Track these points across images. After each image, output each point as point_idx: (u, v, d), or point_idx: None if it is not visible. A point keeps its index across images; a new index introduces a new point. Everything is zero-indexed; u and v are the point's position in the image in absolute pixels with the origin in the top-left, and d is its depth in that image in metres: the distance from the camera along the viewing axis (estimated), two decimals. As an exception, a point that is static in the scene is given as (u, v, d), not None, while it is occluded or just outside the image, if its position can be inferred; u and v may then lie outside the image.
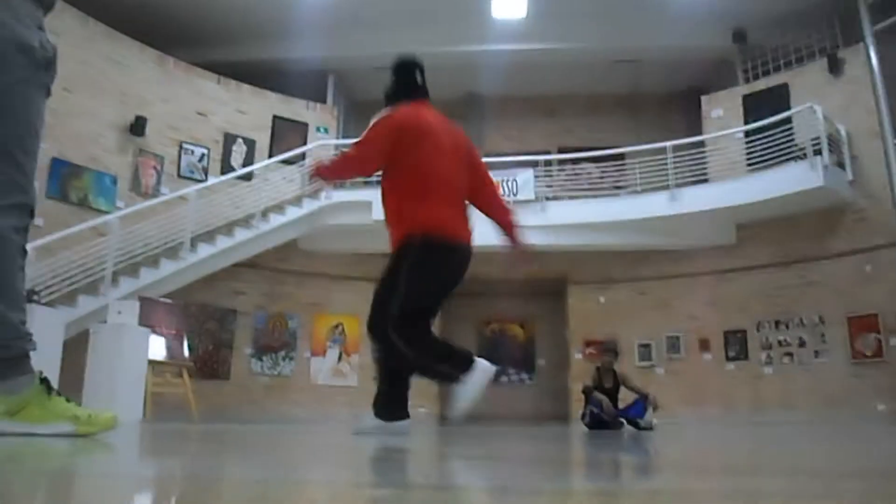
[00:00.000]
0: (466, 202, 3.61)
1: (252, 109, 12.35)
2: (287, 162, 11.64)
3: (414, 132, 3.42)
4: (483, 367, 3.29)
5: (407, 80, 3.68)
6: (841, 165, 10.51)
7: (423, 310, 3.42)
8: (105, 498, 0.93)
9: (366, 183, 12.12)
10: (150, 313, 8.27)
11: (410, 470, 1.44)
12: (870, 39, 10.79)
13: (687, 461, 1.98)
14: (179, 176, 11.29)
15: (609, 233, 11.32)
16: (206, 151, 11.68)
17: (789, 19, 11.76)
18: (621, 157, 12.07)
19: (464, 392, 3.32)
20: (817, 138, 10.10)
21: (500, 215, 3.79)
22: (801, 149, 10.30)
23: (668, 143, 11.20)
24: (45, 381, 2.26)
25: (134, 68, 10.98)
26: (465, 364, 3.29)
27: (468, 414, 3.29)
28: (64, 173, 9.78)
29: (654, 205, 11.05)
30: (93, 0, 10.58)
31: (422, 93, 3.67)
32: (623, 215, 11.14)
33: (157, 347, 8.28)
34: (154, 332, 8.19)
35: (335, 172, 3.74)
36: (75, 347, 7.70)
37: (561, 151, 13.18)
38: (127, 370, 7.32)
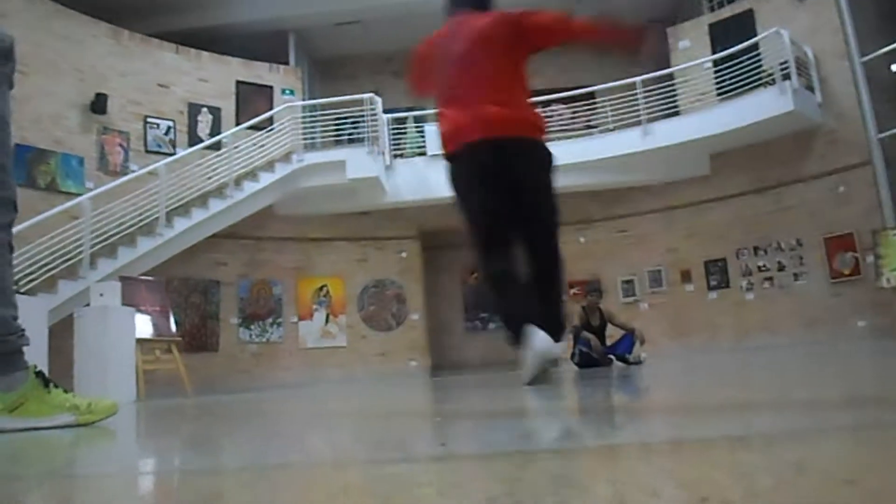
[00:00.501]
0: (492, 93, 3.11)
1: (214, 77, 12.10)
2: (255, 127, 11.47)
3: (423, 58, 3.32)
4: (536, 346, 2.70)
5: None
6: (810, 88, 10.55)
7: (479, 232, 3.07)
8: (116, 497, 0.94)
9: (337, 142, 12.05)
10: (132, 292, 8.22)
11: (419, 437, 1.46)
12: (832, -42, 10.74)
13: (679, 401, 2.02)
14: (147, 151, 11.10)
15: (584, 173, 11.31)
16: (171, 124, 11.47)
17: (750, -57, 11.65)
18: (591, 95, 12.01)
19: (524, 360, 2.81)
20: (785, 63, 10.11)
21: (580, 36, 3.27)
22: (770, 74, 10.31)
23: (638, 79, 11.14)
24: (40, 374, 2.25)
25: (89, 45, 10.69)
26: (512, 329, 2.82)
27: (534, 380, 2.74)
28: (29, 158, 9.58)
29: (628, 141, 11.06)
30: (38, -24, 10.23)
31: (461, 3, 3.34)
32: (597, 154, 11.14)
33: (143, 325, 8.26)
34: (139, 310, 8.15)
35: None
36: (61, 333, 7.66)
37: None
38: (115, 351, 7.31)
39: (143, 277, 8.96)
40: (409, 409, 2.36)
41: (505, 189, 3.04)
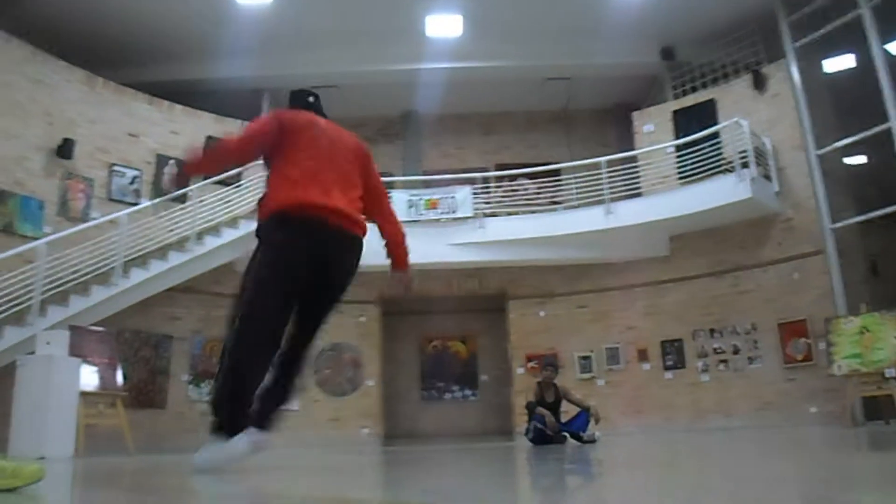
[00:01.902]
0: (351, 193, 3.46)
1: (185, 130, 12.09)
2: (222, 183, 11.42)
3: (290, 125, 3.44)
4: (234, 446, 3.09)
5: (298, 102, 3.80)
6: (767, 177, 10.88)
7: (262, 312, 3.18)
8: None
9: (304, 203, 12.03)
10: (80, 342, 8.00)
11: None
12: (791, 55, 11.24)
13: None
14: (110, 199, 10.95)
15: (547, 248, 11.45)
16: (137, 173, 11.37)
17: (714, 37, 12.17)
18: (557, 172, 12.25)
19: (209, 451, 3.13)
20: (744, 152, 10.44)
21: (389, 227, 3.75)
22: (730, 162, 10.62)
23: (603, 159, 11.40)
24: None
25: (61, 89, 10.63)
26: (230, 426, 3.10)
27: (202, 470, 3.03)
28: (-14, 199, 9.40)
29: (591, 219, 11.23)
30: (17, 20, 10.24)
31: (315, 108, 3.77)
32: (560, 230, 11.29)
33: (88, 378, 8.02)
34: (85, 361, 7.92)
35: (210, 165, 3.69)
36: (1, 381, 7.38)
37: (498, 168, 13.34)
38: (57, 403, 7.04)
39: (93, 328, 8.74)
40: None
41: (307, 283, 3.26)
